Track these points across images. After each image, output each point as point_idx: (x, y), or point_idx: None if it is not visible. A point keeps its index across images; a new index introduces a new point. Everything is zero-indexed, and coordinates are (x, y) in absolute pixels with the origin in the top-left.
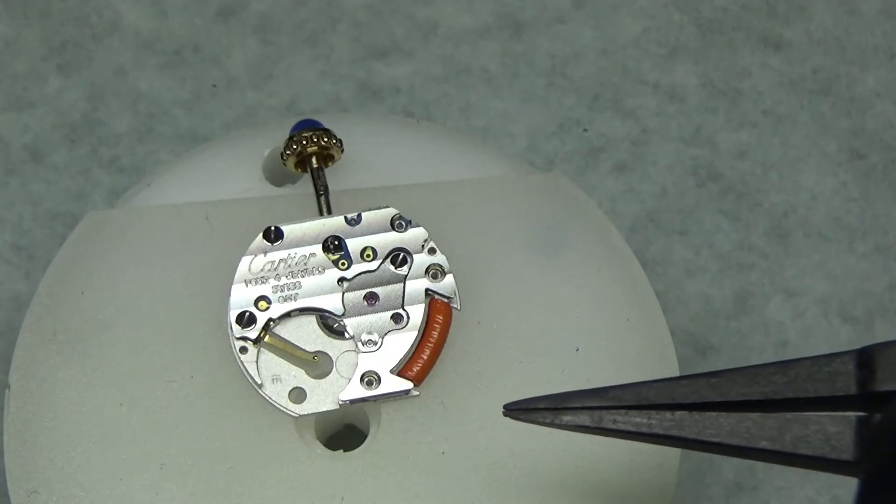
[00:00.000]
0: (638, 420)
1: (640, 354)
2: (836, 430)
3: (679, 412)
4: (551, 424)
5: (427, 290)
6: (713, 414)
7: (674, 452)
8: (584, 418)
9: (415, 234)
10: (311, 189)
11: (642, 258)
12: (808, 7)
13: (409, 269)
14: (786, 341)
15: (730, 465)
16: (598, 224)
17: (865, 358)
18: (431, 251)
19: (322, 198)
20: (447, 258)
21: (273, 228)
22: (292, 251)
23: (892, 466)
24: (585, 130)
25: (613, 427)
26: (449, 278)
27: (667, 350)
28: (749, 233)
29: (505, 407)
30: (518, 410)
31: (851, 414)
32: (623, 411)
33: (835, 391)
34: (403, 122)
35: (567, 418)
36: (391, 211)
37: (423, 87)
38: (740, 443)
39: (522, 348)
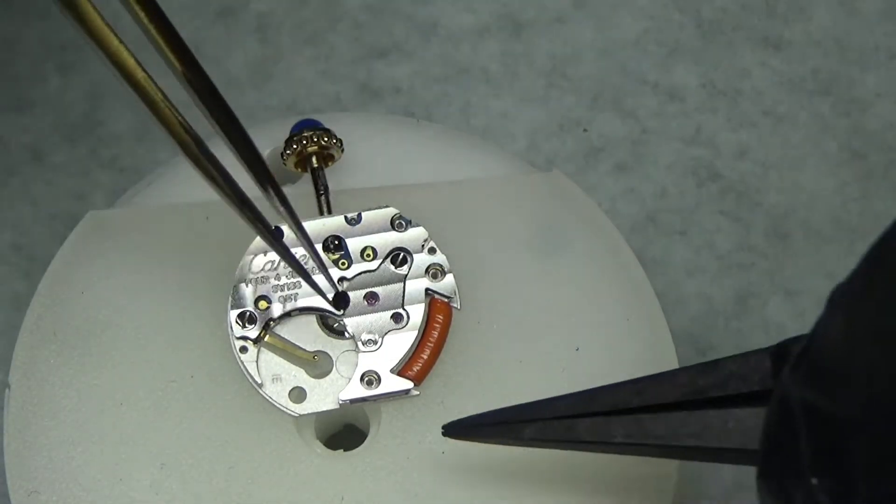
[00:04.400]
0: (565, 430)
1: (640, 354)
2: (756, 423)
3: (608, 417)
4: (490, 441)
5: (427, 289)
6: (639, 416)
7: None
8: (518, 433)
9: (415, 234)
10: (311, 189)
11: (642, 258)
12: (808, 7)
13: (409, 268)
14: None
15: (729, 465)
16: (598, 224)
17: (780, 353)
18: (431, 251)
19: (322, 197)
20: (447, 258)
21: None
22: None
23: (773, 450)
24: (585, 130)
25: (543, 438)
26: (449, 278)
27: (667, 350)
28: (749, 233)
29: (444, 427)
30: (456, 430)
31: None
32: (553, 422)
33: (753, 387)
34: (403, 122)
35: (500, 436)
36: (391, 211)
37: (423, 87)
38: (666, 442)
39: (522, 348)
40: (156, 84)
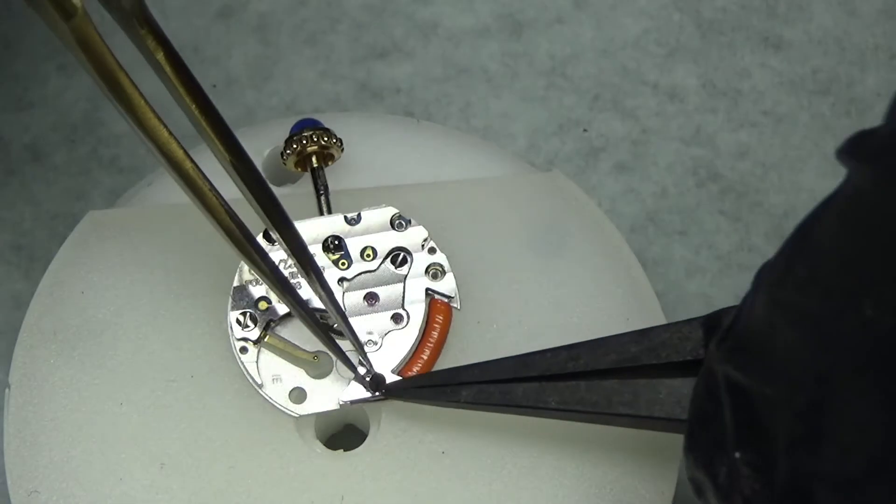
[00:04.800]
0: (501, 394)
1: None
2: (688, 392)
3: (542, 383)
4: (428, 402)
5: (427, 289)
6: (573, 383)
7: (673, 453)
8: (455, 395)
9: (414, 234)
10: (311, 189)
11: (642, 258)
12: (808, 7)
13: (409, 268)
14: None
15: None
16: (598, 224)
17: (711, 324)
18: (431, 251)
19: (322, 197)
20: (447, 258)
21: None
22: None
23: (699, 422)
24: (585, 130)
25: (480, 401)
26: (449, 277)
27: None
28: (749, 233)
29: (384, 388)
30: (394, 391)
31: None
32: (490, 386)
33: (685, 356)
34: (403, 122)
35: (439, 397)
36: (390, 210)
37: (423, 87)
38: (599, 409)
39: (522, 348)
40: (203, 173)
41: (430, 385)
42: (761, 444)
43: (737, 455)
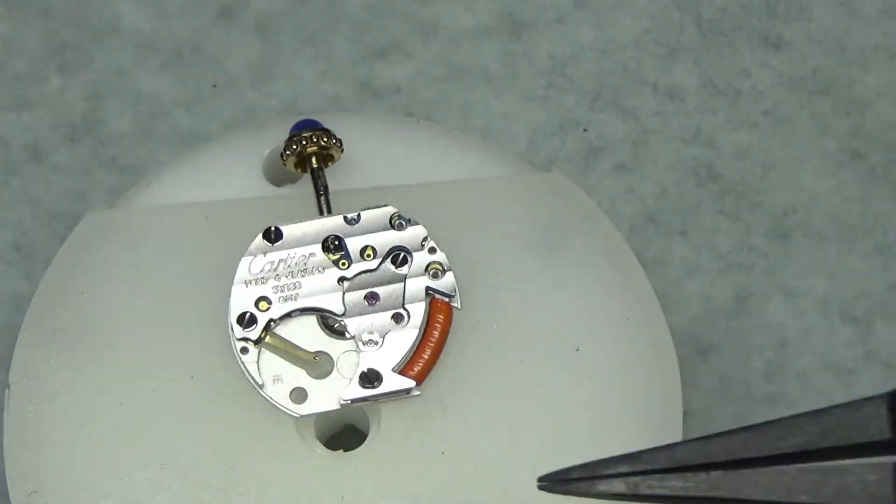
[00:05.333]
0: (674, 483)
1: (640, 354)
2: (875, 477)
3: (715, 472)
4: (587, 494)
5: (427, 288)
6: (749, 471)
7: None
8: (619, 486)
9: (414, 233)
10: (311, 189)
11: (642, 258)
12: (808, 7)
13: (409, 268)
14: (786, 341)
15: None
16: (598, 224)
17: None
18: (432, 250)
19: (322, 198)
20: (447, 258)
21: (273, 228)
22: (292, 251)
23: None
24: (585, 130)
25: (649, 492)
26: (449, 276)
27: (667, 350)
28: (749, 233)
29: (539, 479)
30: (553, 482)
31: (888, 459)
32: (658, 475)
33: (870, 437)
34: (403, 122)
35: (602, 487)
36: (390, 210)
37: (423, 87)
38: (779, 498)
39: (522, 348)
40: None
41: (580, 478)
42: None
43: None
